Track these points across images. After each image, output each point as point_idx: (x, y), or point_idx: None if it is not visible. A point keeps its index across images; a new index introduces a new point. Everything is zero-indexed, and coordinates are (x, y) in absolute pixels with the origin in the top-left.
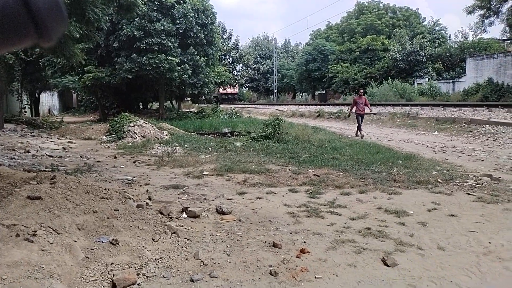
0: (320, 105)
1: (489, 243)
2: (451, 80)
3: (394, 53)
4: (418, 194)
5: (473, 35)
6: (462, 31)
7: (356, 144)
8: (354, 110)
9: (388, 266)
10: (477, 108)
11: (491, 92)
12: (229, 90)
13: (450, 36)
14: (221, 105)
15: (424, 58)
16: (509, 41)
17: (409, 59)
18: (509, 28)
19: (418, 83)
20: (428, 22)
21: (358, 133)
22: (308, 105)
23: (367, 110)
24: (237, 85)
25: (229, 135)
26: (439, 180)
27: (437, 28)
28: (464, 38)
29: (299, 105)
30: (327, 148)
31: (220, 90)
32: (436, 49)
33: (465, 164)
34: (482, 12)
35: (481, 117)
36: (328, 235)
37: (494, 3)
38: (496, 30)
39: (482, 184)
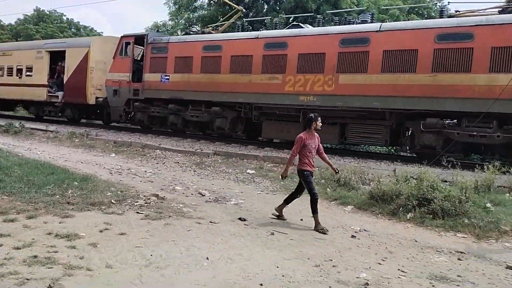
0: None
1: (151, 255)
2: None
3: None
4: (92, 215)
5: None
6: None
7: (28, 163)
8: (296, 162)
9: None
10: (159, 135)
11: None
12: None
13: None
14: None
15: None
16: None
17: None
18: None
19: None
20: None
21: (284, 214)
22: None
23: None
24: None
25: None
26: (112, 201)
27: None
28: None
29: None
30: None
31: None
32: None
33: (138, 185)
34: None
35: (153, 142)
36: None
37: None
38: None
39: (150, 203)
